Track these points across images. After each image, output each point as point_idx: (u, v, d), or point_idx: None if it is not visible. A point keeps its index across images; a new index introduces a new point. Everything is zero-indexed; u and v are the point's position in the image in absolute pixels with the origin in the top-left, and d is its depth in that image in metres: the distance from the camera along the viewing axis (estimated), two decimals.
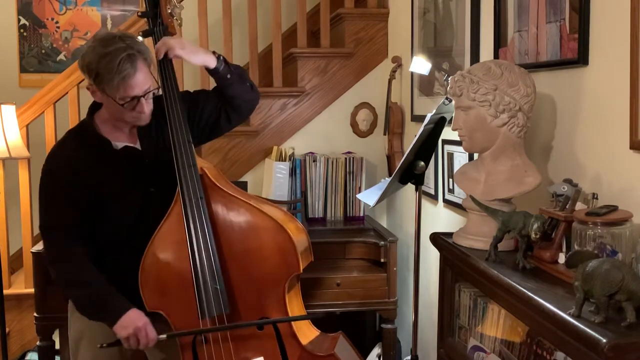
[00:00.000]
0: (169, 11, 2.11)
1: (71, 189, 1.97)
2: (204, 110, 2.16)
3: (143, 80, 1.92)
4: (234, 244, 2.01)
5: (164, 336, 1.97)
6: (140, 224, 2.03)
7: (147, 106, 1.97)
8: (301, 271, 2.02)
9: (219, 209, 2.02)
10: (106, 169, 2.01)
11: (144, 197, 2.05)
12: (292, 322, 2.03)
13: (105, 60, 1.87)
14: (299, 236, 2.04)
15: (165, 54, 2.04)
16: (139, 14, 2.15)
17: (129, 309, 1.95)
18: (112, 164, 2.02)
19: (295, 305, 2.09)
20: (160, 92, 2.06)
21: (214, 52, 2.10)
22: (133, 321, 1.93)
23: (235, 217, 2.02)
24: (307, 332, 2.10)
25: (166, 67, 2.06)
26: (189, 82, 3.59)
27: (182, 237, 1.97)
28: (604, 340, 1.18)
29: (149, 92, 1.96)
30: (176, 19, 2.14)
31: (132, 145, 2.06)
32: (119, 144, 2.04)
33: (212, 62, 2.07)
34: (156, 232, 2.00)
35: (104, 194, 1.99)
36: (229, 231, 2.01)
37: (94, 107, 2.07)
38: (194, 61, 2.08)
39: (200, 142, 2.28)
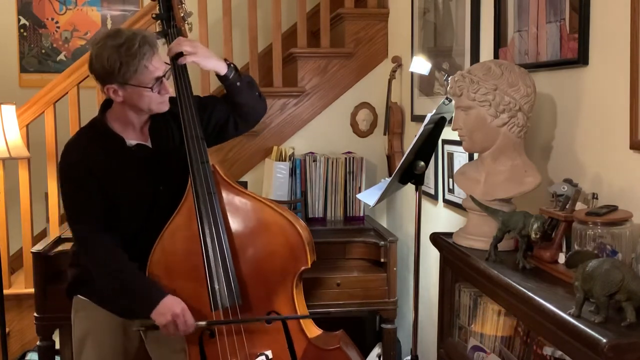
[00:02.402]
0: (182, 15, 2.13)
1: (88, 184, 1.98)
2: (213, 114, 2.18)
3: (160, 60, 1.98)
4: (244, 238, 2.04)
5: (202, 323, 1.97)
6: (148, 222, 2.04)
7: (169, 87, 2.02)
8: (310, 266, 2.06)
9: (230, 205, 2.05)
10: (119, 166, 2.02)
11: (153, 196, 2.06)
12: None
13: (123, 48, 1.91)
14: (306, 233, 2.09)
15: (179, 54, 2.04)
16: (154, 15, 2.18)
17: (165, 296, 1.95)
18: (125, 161, 2.03)
19: (300, 302, 2.12)
20: (169, 78, 2.07)
21: (225, 60, 2.11)
22: (170, 308, 1.93)
23: (246, 213, 2.06)
24: (312, 329, 2.13)
25: (179, 64, 2.07)
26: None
27: (193, 232, 1.99)
28: (604, 340, 1.18)
29: (167, 71, 2.00)
30: (187, 23, 2.15)
31: (144, 143, 2.08)
32: (132, 141, 2.05)
33: (223, 69, 2.08)
34: (166, 227, 2.02)
35: (115, 192, 2.00)
36: (239, 226, 2.05)
37: (105, 105, 2.08)
38: (206, 65, 2.08)
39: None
